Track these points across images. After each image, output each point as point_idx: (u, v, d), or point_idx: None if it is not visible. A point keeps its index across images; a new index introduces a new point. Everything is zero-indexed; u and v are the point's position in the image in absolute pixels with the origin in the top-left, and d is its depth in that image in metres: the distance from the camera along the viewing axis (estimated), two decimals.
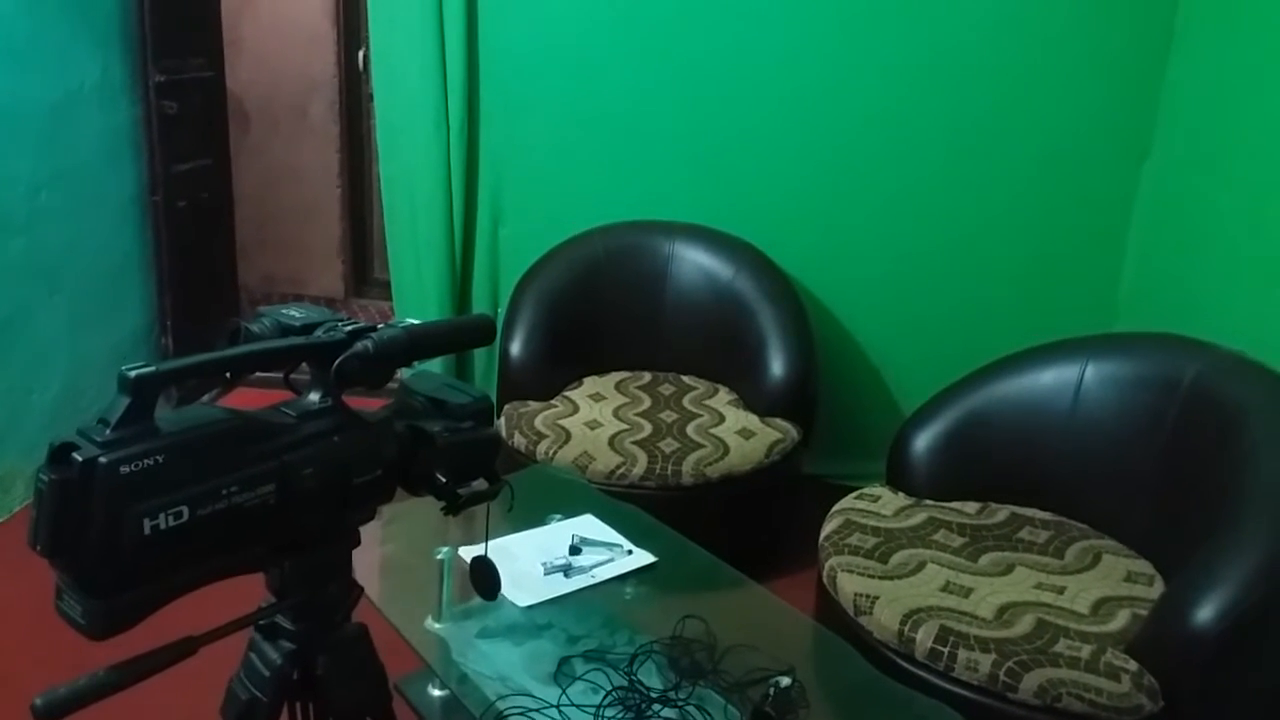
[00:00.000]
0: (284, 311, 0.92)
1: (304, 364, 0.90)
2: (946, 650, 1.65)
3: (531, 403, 2.64)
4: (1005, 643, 1.65)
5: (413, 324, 0.92)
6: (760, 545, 2.56)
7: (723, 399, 2.71)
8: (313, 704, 0.97)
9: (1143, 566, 1.93)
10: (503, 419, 2.57)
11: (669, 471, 2.33)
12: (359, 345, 0.87)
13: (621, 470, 2.33)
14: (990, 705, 1.61)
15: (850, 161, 2.93)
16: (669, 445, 2.41)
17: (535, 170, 3.11)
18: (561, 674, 1.51)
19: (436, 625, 1.66)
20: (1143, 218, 2.79)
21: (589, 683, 1.48)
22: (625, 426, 2.50)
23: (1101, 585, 1.85)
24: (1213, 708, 1.58)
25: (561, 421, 2.51)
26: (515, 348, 2.70)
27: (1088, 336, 2.28)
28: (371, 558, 1.86)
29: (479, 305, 3.24)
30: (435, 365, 2.94)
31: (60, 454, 0.70)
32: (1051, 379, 2.18)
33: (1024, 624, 1.71)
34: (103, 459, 0.70)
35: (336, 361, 0.86)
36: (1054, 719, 1.58)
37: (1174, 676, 1.57)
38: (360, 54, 4.41)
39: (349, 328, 0.89)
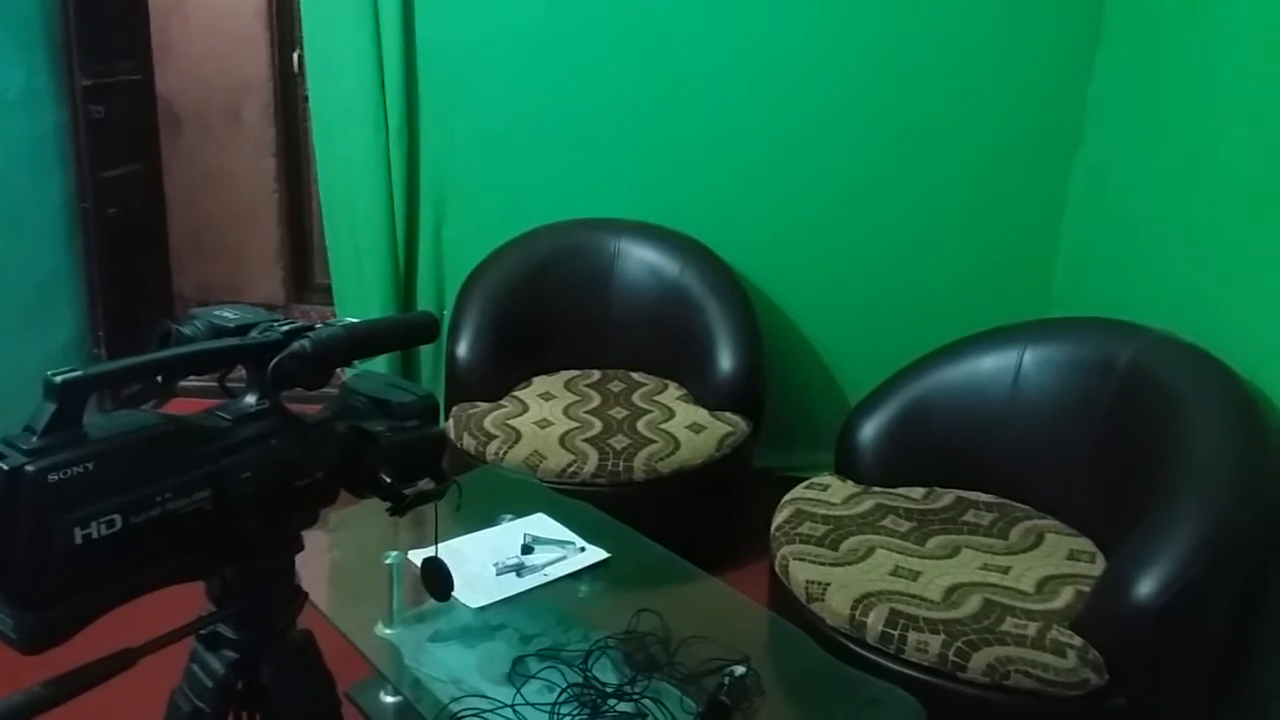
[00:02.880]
0: (217, 313, 0.90)
1: (239, 368, 0.88)
2: (897, 633, 1.67)
3: (480, 404, 2.61)
4: (953, 623, 1.68)
5: (352, 322, 0.90)
6: (712, 538, 2.57)
7: (672, 394, 2.71)
8: (259, 713, 0.95)
9: (1084, 544, 1.98)
10: (451, 421, 2.54)
11: (620, 468, 2.33)
12: (296, 345, 0.85)
13: (573, 468, 2.32)
14: (941, 685, 1.64)
15: (793, 158, 2.96)
16: (620, 442, 2.41)
17: (478, 169, 3.08)
18: (516, 674, 1.50)
19: (387, 631, 1.64)
20: (1075, 207, 2.85)
21: (544, 681, 1.48)
22: (575, 424, 2.49)
23: (1045, 564, 1.89)
24: (1156, 679, 1.62)
25: (511, 421, 2.49)
26: (462, 349, 2.68)
27: (1025, 322, 2.33)
28: (319, 565, 1.83)
29: (424, 307, 3.20)
30: (381, 368, 2.90)
31: None
32: (991, 365, 2.23)
33: (971, 604, 1.74)
34: (29, 467, 0.67)
35: (273, 362, 0.85)
36: (1003, 696, 1.61)
37: (1118, 650, 1.61)
38: (295, 55, 4.34)
39: (285, 328, 0.87)
